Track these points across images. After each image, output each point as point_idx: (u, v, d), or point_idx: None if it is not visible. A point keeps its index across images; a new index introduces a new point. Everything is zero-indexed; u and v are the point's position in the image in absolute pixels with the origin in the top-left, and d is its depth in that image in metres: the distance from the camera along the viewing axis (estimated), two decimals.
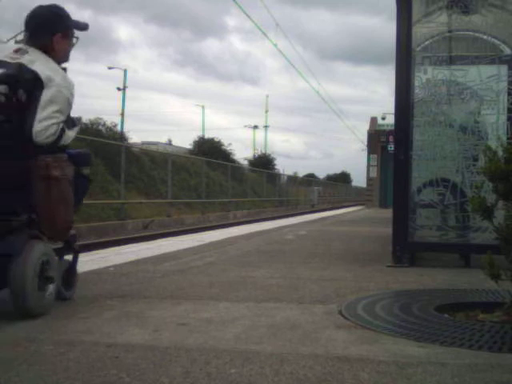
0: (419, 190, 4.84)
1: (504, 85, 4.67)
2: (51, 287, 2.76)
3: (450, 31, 4.89)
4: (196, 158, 26.38)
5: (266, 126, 59.10)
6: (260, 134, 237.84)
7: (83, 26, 3.05)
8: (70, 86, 2.85)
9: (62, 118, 2.79)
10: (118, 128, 29.07)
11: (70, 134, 2.89)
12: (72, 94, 2.87)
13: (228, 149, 34.96)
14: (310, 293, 3.38)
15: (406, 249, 4.72)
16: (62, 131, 2.81)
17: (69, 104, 2.85)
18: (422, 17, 4.88)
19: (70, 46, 3.02)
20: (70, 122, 2.91)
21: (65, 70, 2.93)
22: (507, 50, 4.88)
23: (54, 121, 2.74)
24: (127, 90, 39.40)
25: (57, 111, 2.75)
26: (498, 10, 4.81)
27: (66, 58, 3.00)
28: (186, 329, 2.49)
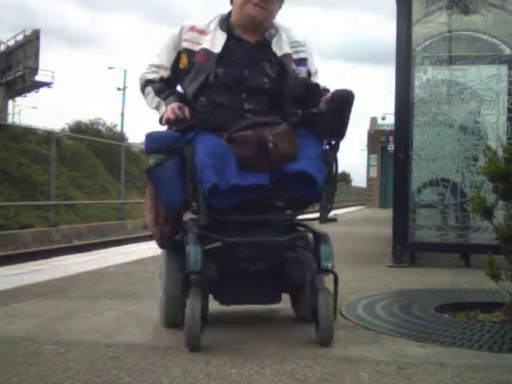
0: (419, 190, 4.84)
1: (504, 85, 4.67)
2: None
3: (449, 31, 4.88)
4: None
5: None
6: None
7: None
8: None
9: None
10: (118, 128, 29.09)
11: None
12: None
13: None
14: None
15: (405, 249, 4.71)
16: None
17: None
18: (422, 17, 4.88)
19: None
20: None
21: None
22: (507, 50, 4.87)
23: None
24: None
25: None
26: (498, 10, 4.81)
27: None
28: None
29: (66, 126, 26.27)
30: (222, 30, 2.48)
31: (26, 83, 29.12)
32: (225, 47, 2.45)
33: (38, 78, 29.28)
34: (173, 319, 2.44)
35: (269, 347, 2.19)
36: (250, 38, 2.49)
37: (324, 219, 2.37)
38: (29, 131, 16.14)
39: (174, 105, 2.39)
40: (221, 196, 2.20)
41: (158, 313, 2.55)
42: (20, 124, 22.49)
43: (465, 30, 4.90)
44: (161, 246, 2.54)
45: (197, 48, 2.46)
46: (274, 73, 2.46)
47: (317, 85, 2.54)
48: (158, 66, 2.57)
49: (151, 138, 2.40)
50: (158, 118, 2.51)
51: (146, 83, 2.57)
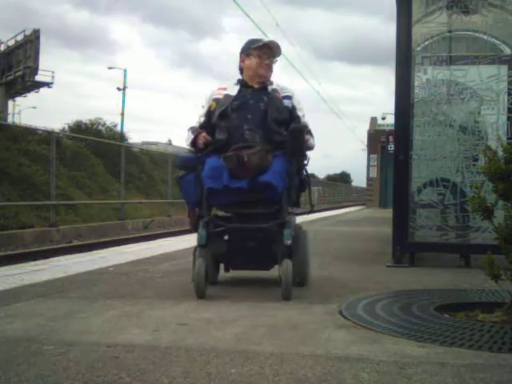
0: (419, 190, 4.84)
1: (504, 85, 4.67)
2: None
3: (449, 31, 4.88)
4: None
5: None
6: None
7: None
8: None
9: None
10: (118, 128, 29.08)
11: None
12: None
13: None
14: (309, 293, 3.38)
15: (405, 249, 4.71)
16: None
17: None
18: (422, 17, 4.88)
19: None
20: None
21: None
22: (507, 50, 4.88)
23: None
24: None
25: None
26: (498, 10, 4.81)
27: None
28: (186, 329, 2.49)
29: (66, 126, 26.26)
30: (237, 85, 3.69)
31: (26, 83, 29.10)
32: (238, 92, 3.63)
33: (37, 78, 29.25)
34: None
35: (269, 346, 2.20)
36: (255, 86, 3.66)
37: (286, 213, 3.36)
38: (29, 131, 16.14)
39: (204, 134, 3.49)
40: (217, 196, 3.32)
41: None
42: (20, 124, 22.48)
43: (465, 30, 4.90)
44: (192, 229, 3.56)
45: (221, 96, 3.64)
46: (268, 100, 3.59)
47: (298, 117, 3.60)
48: (199, 117, 3.67)
49: (180, 159, 3.77)
50: (189, 143, 3.60)
51: (188, 129, 3.61)
